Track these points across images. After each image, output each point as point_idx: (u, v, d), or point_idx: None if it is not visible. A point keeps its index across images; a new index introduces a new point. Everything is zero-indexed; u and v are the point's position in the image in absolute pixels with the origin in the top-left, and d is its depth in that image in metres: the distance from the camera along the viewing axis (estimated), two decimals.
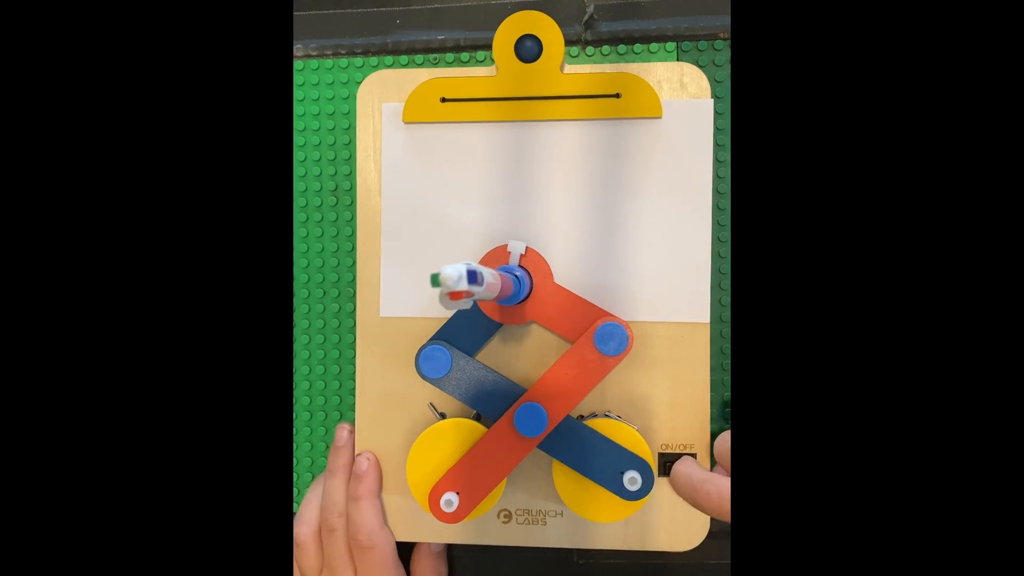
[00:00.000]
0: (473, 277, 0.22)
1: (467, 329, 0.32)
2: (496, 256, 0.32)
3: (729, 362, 0.34)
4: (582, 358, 0.31)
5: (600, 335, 0.30)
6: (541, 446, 0.31)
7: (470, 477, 0.31)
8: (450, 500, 0.31)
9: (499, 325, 0.32)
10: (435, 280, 0.22)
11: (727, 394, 0.34)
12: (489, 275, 0.25)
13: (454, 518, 0.31)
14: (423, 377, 0.32)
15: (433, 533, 0.34)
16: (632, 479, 0.30)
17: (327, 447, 0.36)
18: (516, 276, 0.30)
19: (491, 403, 0.32)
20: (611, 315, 0.31)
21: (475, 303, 0.32)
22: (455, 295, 0.22)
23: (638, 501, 0.31)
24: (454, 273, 0.21)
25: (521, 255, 0.32)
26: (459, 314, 0.32)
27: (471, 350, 0.32)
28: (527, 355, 0.33)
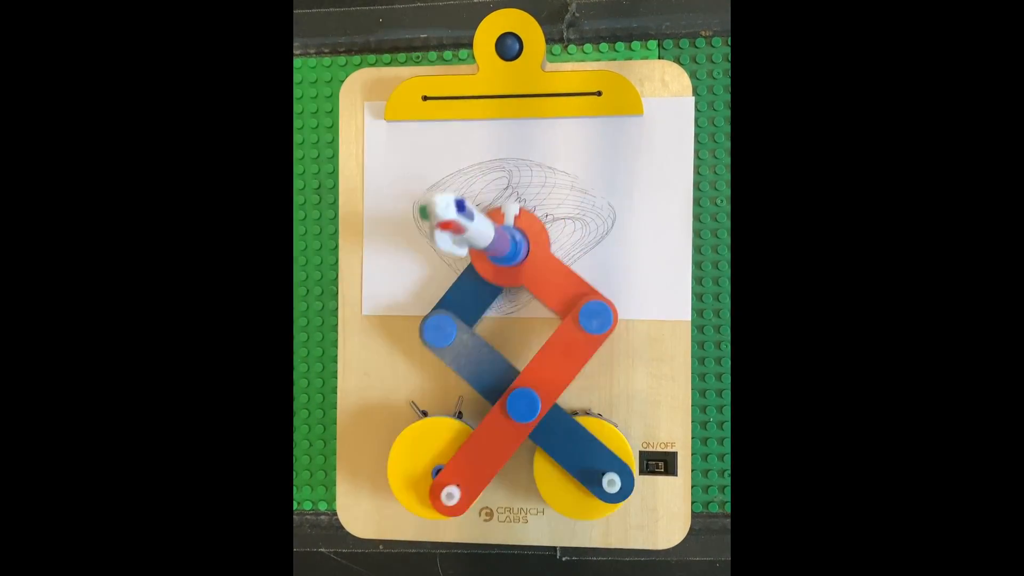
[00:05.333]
0: (462, 206, 0.22)
1: (467, 296, 0.32)
2: (491, 217, 0.32)
3: (710, 359, 0.34)
4: (568, 338, 0.31)
5: (585, 313, 0.30)
6: (532, 435, 0.31)
7: (468, 469, 0.31)
8: (451, 493, 0.30)
9: (498, 292, 0.32)
10: (423, 212, 0.22)
11: (709, 392, 0.34)
12: (480, 213, 0.25)
13: (456, 511, 0.31)
14: (427, 345, 0.31)
15: (414, 531, 0.34)
16: (611, 481, 0.30)
17: (325, 445, 0.36)
18: (514, 238, 0.30)
19: (486, 381, 0.31)
20: (597, 293, 0.31)
21: (469, 271, 0.32)
22: (445, 225, 0.22)
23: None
24: (442, 200, 0.21)
25: (515, 216, 0.31)
26: (459, 282, 0.32)
27: (472, 318, 0.32)
28: (517, 339, 0.33)
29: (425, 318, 0.31)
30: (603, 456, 0.31)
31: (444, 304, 0.32)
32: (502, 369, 0.31)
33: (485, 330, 0.33)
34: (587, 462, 0.31)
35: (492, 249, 0.28)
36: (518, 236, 0.31)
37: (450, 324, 0.31)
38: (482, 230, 0.25)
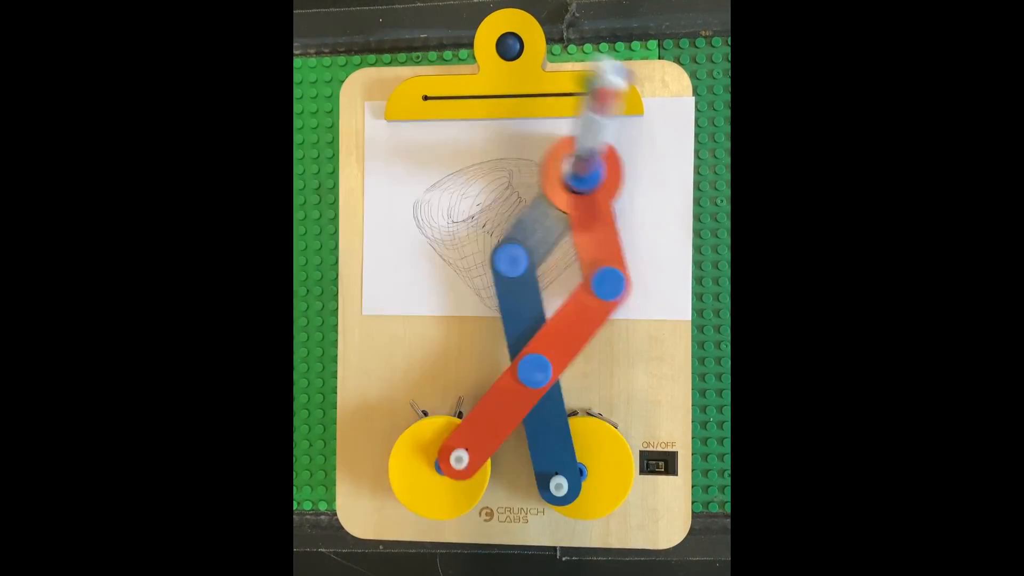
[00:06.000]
0: (624, 73, 0.21)
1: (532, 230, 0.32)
2: (562, 146, 0.32)
3: (710, 359, 0.34)
4: (581, 304, 0.31)
5: (598, 279, 0.30)
6: (525, 420, 0.31)
7: (478, 433, 0.31)
8: (460, 457, 0.30)
9: (559, 234, 0.32)
10: (587, 82, 0.21)
11: (709, 392, 0.34)
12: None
13: (465, 475, 0.31)
14: (497, 272, 0.31)
15: (414, 531, 0.34)
16: (558, 485, 0.30)
17: (325, 445, 0.36)
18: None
19: (517, 328, 0.31)
20: (621, 261, 0.31)
21: (536, 206, 0.32)
22: (604, 96, 0.21)
23: (617, 498, 0.31)
24: (612, 66, 0.21)
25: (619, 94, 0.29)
26: (525, 215, 0.32)
27: (538, 254, 0.32)
28: None
29: (497, 247, 0.31)
30: (564, 458, 0.31)
31: (511, 237, 0.32)
32: (537, 323, 0.31)
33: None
34: (552, 463, 0.31)
35: (596, 155, 0.27)
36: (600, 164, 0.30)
37: (523, 255, 0.31)
38: (613, 117, 0.24)
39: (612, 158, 0.31)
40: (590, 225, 0.31)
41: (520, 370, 0.31)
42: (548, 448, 0.31)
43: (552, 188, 0.31)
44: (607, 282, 0.30)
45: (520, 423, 0.31)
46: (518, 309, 0.31)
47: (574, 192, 0.31)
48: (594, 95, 0.22)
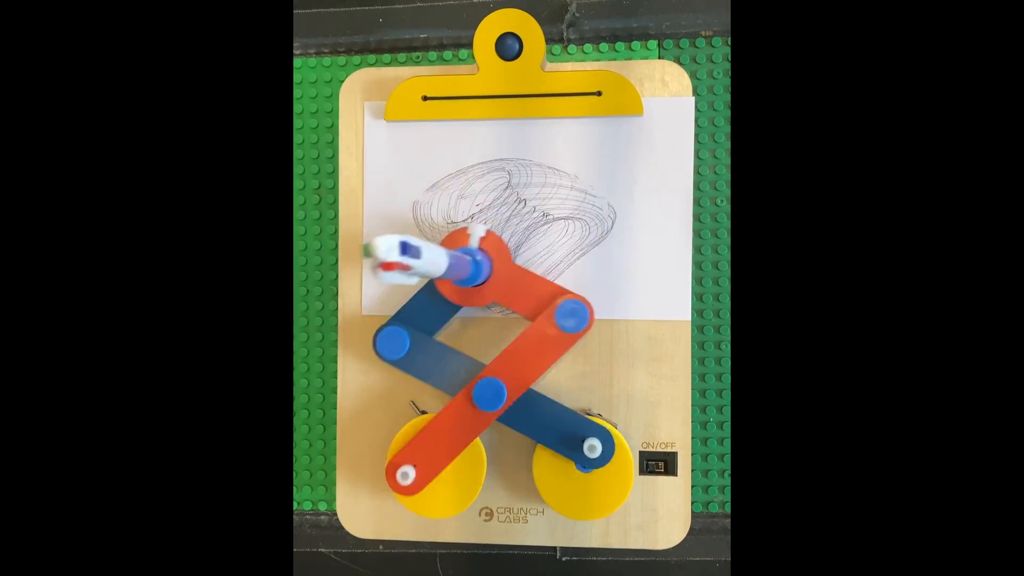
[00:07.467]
0: (406, 248, 0.22)
1: (425, 311, 0.32)
2: (456, 238, 0.32)
3: (710, 359, 0.34)
4: (542, 334, 0.31)
5: (561, 312, 0.30)
6: (502, 419, 0.31)
7: (427, 451, 0.31)
8: (406, 472, 0.31)
9: (457, 308, 0.32)
10: (366, 250, 0.21)
11: (709, 392, 0.34)
12: (431, 250, 0.24)
13: (410, 491, 0.31)
14: (381, 358, 0.32)
15: (414, 531, 0.34)
16: (591, 446, 0.30)
17: (325, 445, 0.36)
18: (476, 259, 0.30)
19: (453, 380, 0.32)
20: (571, 293, 0.31)
21: (432, 283, 0.32)
22: (387, 266, 0.22)
23: (617, 498, 0.31)
24: (384, 244, 0.21)
25: (481, 237, 0.31)
26: (417, 297, 0.32)
27: (429, 332, 0.32)
28: (488, 337, 0.33)
29: (377, 331, 0.32)
30: (579, 424, 0.31)
31: (400, 318, 0.32)
32: (465, 367, 0.32)
33: (454, 330, 0.33)
34: (565, 431, 0.31)
35: (451, 275, 0.28)
36: (479, 256, 0.31)
37: (401, 335, 0.32)
38: (432, 263, 0.25)
39: (489, 239, 0.31)
40: (511, 292, 0.31)
41: (475, 393, 0.31)
42: (554, 426, 0.31)
43: (443, 284, 0.31)
44: (572, 315, 0.30)
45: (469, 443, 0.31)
46: (437, 370, 0.32)
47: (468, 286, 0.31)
48: (380, 267, 0.22)
